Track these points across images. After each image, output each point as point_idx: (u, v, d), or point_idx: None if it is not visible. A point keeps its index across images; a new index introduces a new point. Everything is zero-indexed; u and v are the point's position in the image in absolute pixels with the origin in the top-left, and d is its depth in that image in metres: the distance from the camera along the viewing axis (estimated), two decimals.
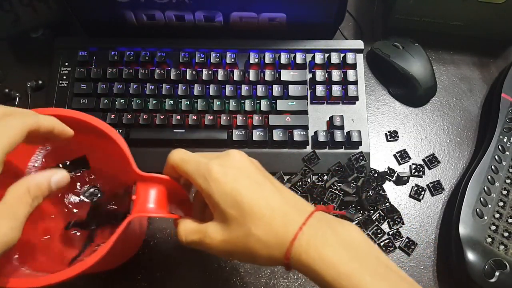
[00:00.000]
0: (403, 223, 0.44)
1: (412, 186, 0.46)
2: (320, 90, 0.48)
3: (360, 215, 0.44)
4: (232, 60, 0.49)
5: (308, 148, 0.47)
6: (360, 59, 0.50)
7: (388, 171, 0.47)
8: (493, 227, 0.42)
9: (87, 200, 0.40)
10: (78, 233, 0.39)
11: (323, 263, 0.26)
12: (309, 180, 0.46)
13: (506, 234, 0.41)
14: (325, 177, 0.46)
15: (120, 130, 0.46)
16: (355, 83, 0.49)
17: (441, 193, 0.47)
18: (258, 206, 0.28)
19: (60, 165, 0.36)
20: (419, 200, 0.46)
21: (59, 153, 0.37)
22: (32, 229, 0.37)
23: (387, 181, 0.47)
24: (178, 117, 0.47)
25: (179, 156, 0.31)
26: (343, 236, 0.27)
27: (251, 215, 0.28)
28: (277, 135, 0.46)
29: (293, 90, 0.48)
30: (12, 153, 0.26)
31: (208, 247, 0.30)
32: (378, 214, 0.44)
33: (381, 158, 0.49)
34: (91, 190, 0.40)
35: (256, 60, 0.49)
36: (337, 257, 0.26)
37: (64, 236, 0.39)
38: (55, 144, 0.36)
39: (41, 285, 0.29)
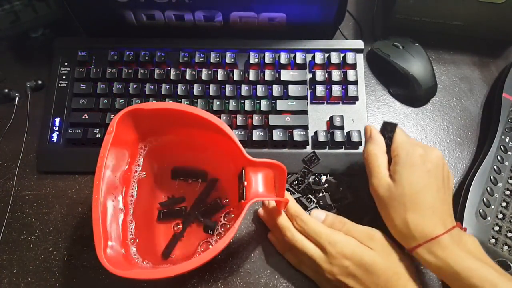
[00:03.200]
0: None
1: None
2: (320, 90, 0.48)
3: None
4: (232, 60, 0.49)
5: (308, 148, 0.47)
6: (360, 59, 0.50)
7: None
8: (497, 228, 0.41)
9: None
10: (179, 226, 0.43)
11: (456, 257, 0.34)
12: (306, 180, 0.46)
13: (509, 234, 0.41)
14: (322, 177, 0.46)
15: None
16: (355, 83, 0.49)
17: None
18: (424, 201, 0.35)
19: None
20: None
21: (155, 153, 0.43)
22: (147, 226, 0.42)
23: None
24: None
25: (294, 234, 0.40)
26: (471, 247, 0.35)
27: (414, 204, 0.35)
28: (277, 135, 0.46)
29: (293, 90, 0.48)
30: (121, 150, 0.36)
31: (371, 188, 0.38)
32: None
33: None
34: None
35: (256, 60, 0.49)
36: (467, 255, 0.34)
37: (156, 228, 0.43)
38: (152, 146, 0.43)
39: (182, 272, 0.33)
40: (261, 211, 0.43)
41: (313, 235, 0.39)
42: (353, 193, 0.44)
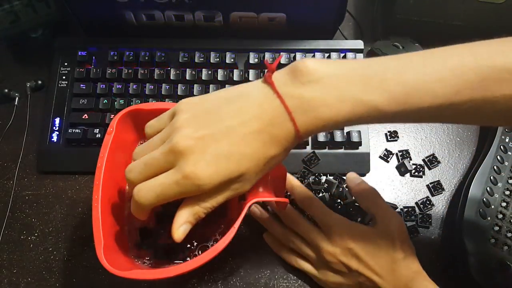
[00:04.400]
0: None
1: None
2: None
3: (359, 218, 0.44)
4: (232, 60, 0.49)
5: (308, 149, 0.47)
6: (360, 59, 0.50)
7: None
8: (497, 228, 0.41)
9: None
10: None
11: (320, 115, 0.27)
12: (306, 180, 0.46)
13: (509, 234, 0.41)
14: (322, 177, 0.46)
15: None
16: None
17: (441, 193, 0.46)
18: (252, 144, 0.28)
19: None
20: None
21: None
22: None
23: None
24: None
25: (151, 196, 0.29)
26: (312, 82, 0.27)
27: (256, 154, 0.28)
28: None
29: None
30: (121, 150, 0.34)
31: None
32: None
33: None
34: None
35: (256, 60, 0.49)
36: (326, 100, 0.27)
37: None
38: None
39: (172, 275, 0.32)
40: (255, 210, 0.43)
41: (319, 215, 0.39)
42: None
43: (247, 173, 0.28)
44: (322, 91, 0.27)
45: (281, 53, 0.50)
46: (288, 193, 0.43)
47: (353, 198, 0.43)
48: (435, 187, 0.46)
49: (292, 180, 0.42)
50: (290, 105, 0.27)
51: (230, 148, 0.27)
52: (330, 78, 0.27)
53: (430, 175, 0.47)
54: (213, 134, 0.28)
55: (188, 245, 0.40)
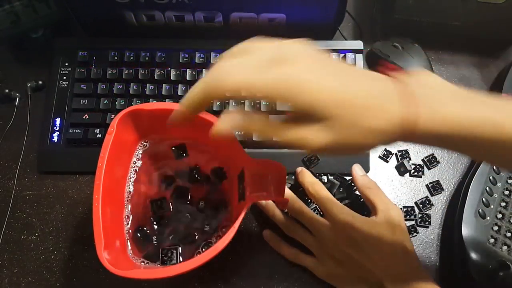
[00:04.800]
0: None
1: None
2: None
3: None
4: None
5: None
6: (359, 59, 0.50)
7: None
8: (496, 228, 0.41)
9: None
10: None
11: (445, 120, 0.26)
12: None
13: (509, 234, 0.41)
14: (323, 177, 0.46)
15: None
16: None
17: (440, 193, 0.46)
18: (362, 97, 0.26)
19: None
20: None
21: (154, 153, 0.42)
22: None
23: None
24: None
25: (239, 79, 0.26)
26: (440, 90, 0.27)
27: (361, 108, 0.25)
28: None
29: None
30: (119, 152, 0.35)
31: (308, 147, 0.27)
32: None
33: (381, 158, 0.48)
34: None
35: None
36: (447, 109, 0.26)
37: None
38: (155, 141, 0.43)
39: (174, 274, 0.33)
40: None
41: (324, 203, 0.39)
42: (353, 193, 0.44)
43: (339, 120, 0.25)
44: (446, 94, 0.27)
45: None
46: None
47: (353, 198, 0.44)
48: (435, 187, 0.46)
49: (303, 170, 0.43)
50: (419, 94, 0.26)
51: (338, 83, 0.26)
52: (453, 90, 0.28)
53: (430, 175, 0.48)
54: (331, 66, 0.27)
55: (188, 246, 0.40)
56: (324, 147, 0.26)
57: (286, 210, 0.43)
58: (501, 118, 0.26)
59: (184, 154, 0.43)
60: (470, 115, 0.26)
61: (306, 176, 0.42)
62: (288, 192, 0.42)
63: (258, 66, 0.27)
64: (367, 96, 0.26)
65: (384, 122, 0.26)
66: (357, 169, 0.43)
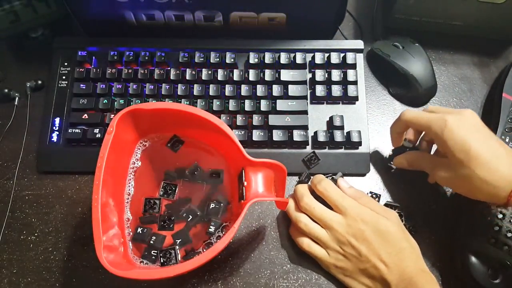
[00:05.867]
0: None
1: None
2: (320, 90, 0.48)
3: None
4: (232, 60, 0.49)
5: (308, 148, 0.47)
6: (360, 59, 0.50)
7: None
8: (496, 228, 0.41)
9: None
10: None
11: None
12: (306, 180, 0.46)
13: (509, 234, 0.41)
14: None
15: None
16: (355, 83, 0.49)
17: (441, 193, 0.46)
18: (484, 154, 0.35)
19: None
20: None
21: (154, 153, 0.43)
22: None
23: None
24: None
25: (414, 114, 0.40)
26: None
27: (477, 160, 0.35)
28: (277, 135, 0.46)
29: (293, 90, 0.48)
30: (118, 151, 0.37)
31: (435, 177, 0.40)
32: None
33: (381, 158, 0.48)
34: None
35: (256, 60, 0.49)
36: None
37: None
38: (154, 140, 0.43)
39: (172, 274, 0.33)
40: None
41: (335, 197, 0.40)
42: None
43: (462, 166, 0.36)
44: None
45: (281, 53, 0.50)
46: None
47: None
48: (435, 187, 0.46)
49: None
50: None
51: (477, 140, 0.36)
52: None
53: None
54: (479, 127, 0.38)
55: (186, 246, 0.40)
56: (445, 181, 0.39)
57: (285, 210, 0.43)
58: None
59: (180, 145, 0.43)
60: None
61: (314, 178, 0.43)
62: (300, 187, 0.42)
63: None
64: (496, 157, 0.35)
65: (497, 180, 0.34)
66: (342, 182, 0.43)
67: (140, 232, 0.39)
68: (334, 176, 0.45)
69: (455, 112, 0.38)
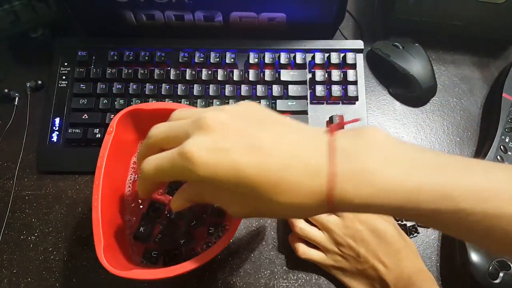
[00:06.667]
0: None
1: None
2: (320, 90, 0.48)
3: None
4: (232, 60, 0.49)
5: None
6: (360, 59, 0.50)
7: None
8: None
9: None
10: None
11: (377, 192, 0.22)
12: None
13: None
14: None
15: None
16: (355, 83, 0.49)
17: None
18: (267, 173, 0.23)
19: None
20: None
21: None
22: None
23: None
24: None
25: (152, 167, 0.27)
26: (374, 150, 0.23)
27: (264, 186, 0.23)
28: None
29: (293, 90, 0.48)
30: (118, 152, 0.35)
31: (227, 211, 0.27)
32: None
33: None
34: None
35: (256, 60, 0.49)
36: (381, 179, 0.22)
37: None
38: None
39: (173, 274, 0.33)
40: None
41: None
42: None
43: (243, 195, 0.24)
44: (380, 156, 0.23)
45: (281, 53, 0.50)
46: None
47: None
48: None
49: None
50: (339, 160, 0.23)
51: (241, 158, 0.23)
52: (394, 150, 0.24)
53: None
54: (244, 129, 0.24)
55: (188, 247, 0.40)
56: (240, 214, 0.27)
57: None
58: (451, 187, 0.22)
59: None
60: (406, 183, 0.22)
61: None
62: None
63: (176, 137, 0.26)
64: (278, 168, 0.23)
65: (292, 199, 0.23)
66: None
67: (142, 231, 0.39)
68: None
69: (203, 122, 0.25)
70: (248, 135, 0.24)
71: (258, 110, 0.27)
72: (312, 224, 0.41)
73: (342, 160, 0.23)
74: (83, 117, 0.47)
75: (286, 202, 0.24)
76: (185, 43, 0.50)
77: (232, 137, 0.24)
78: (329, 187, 0.23)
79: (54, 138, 0.47)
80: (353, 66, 0.49)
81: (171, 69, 0.49)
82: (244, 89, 0.48)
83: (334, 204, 0.23)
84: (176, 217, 0.41)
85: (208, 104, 0.48)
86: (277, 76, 0.49)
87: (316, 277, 0.42)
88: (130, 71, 0.49)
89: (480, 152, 0.47)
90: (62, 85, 0.49)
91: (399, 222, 0.44)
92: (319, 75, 0.49)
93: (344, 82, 0.49)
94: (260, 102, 0.48)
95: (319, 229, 0.40)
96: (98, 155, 0.36)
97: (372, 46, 0.53)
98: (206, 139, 0.24)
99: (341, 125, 0.26)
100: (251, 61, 0.49)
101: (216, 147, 0.24)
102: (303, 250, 0.41)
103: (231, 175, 0.24)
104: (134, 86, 0.48)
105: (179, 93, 0.48)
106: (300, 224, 0.41)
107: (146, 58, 0.49)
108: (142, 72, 0.49)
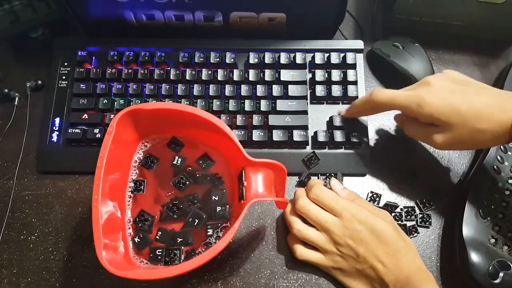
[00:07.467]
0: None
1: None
2: (320, 90, 0.48)
3: None
4: (232, 60, 0.49)
5: (308, 148, 0.47)
6: (360, 59, 0.50)
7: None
8: (497, 228, 0.41)
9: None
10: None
11: None
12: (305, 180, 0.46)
13: (509, 234, 0.41)
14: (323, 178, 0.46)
15: None
16: (355, 83, 0.49)
17: (441, 192, 0.46)
18: (474, 108, 0.36)
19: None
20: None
21: (154, 153, 0.43)
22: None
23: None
24: None
25: (388, 96, 0.41)
26: None
27: (471, 116, 0.36)
28: (277, 135, 0.46)
29: (293, 90, 0.48)
30: (118, 152, 0.37)
31: (431, 144, 0.40)
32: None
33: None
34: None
35: (256, 60, 0.49)
36: None
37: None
38: (155, 141, 0.43)
39: (175, 274, 0.33)
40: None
41: (328, 201, 0.40)
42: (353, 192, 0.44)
43: (452, 126, 0.37)
44: None
45: (281, 53, 0.49)
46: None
47: None
48: (436, 187, 0.46)
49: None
50: None
51: (456, 101, 0.37)
52: None
53: None
54: (455, 89, 0.38)
55: (188, 246, 0.40)
56: (445, 145, 0.38)
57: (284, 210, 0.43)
58: None
59: (178, 147, 0.43)
60: None
61: (308, 183, 0.43)
62: (298, 190, 0.43)
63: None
64: (479, 107, 0.36)
65: (488, 125, 0.36)
66: (335, 183, 0.43)
67: (142, 232, 0.39)
68: (334, 176, 0.45)
69: (422, 84, 0.39)
70: (459, 90, 0.38)
71: (461, 76, 0.40)
72: (310, 225, 0.41)
73: None
74: (83, 117, 0.47)
75: (484, 128, 0.36)
76: (185, 43, 0.50)
77: (447, 91, 0.38)
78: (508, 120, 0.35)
79: (54, 138, 0.47)
80: (353, 66, 0.49)
81: (171, 69, 0.49)
82: (244, 89, 0.48)
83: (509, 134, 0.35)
84: (176, 217, 0.41)
85: (208, 104, 0.48)
86: (277, 76, 0.49)
87: (316, 277, 0.42)
88: (130, 71, 0.49)
89: (480, 152, 0.47)
90: (62, 85, 0.49)
91: (399, 222, 0.45)
92: (319, 75, 0.49)
93: (344, 82, 0.49)
94: (260, 102, 0.48)
95: (318, 229, 0.40)
96: (98, 155, 0.36)
97: (372, 46, 0.53)
98: (432, 90, 0.38)
99: None
100: (251, 61, 0.49)
101: (437, 95, 0.38)
102: (300, 251, 0.41)
103: (449, 111, 0.37)
104: (134, 86, 0.48)
105: (179, 93, 0.48)
106: (298, 226, 0.41)
107: (146, 58, 0.49)
108: (142, 72, 0.49)
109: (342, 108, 0.49)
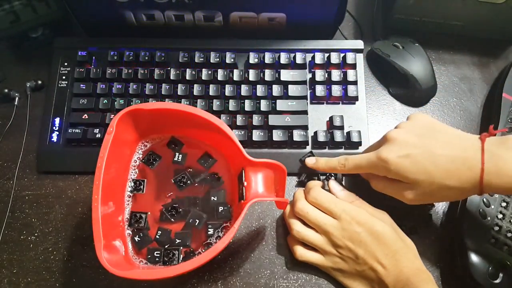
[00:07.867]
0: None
1: None
2: (320, 90, 0.48)
3: None
4: (232, 60, 0.49)
5: (308, 148, 0.47)
6: (360, 59, 0.50)
7: None
8: (497, 228, 0.41)
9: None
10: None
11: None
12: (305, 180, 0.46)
13: (509, 234, 0.41)
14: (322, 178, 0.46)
15: None
16: (355, 83, 0.49)
17: None
18: (440, 166, 0.35)
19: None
20: None
21: (156, 149, 0.43)
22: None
23: None
24: None
25: (351, 165, 0.40)
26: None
27: (438, 174, 0.35)
28: (277, 135, 0.46)
29: (293, 90, 0.48)
30: (118, 152, 0.37)
31: (401, 200, 0.39)
32: None
33: None
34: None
35: (256, 60, 0.49)
36: None
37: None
38: (155, 141, 0.44)
39: (178, 272, 0.33)
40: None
41: (326, 204, 0.40)
42: (353, 192, 0.44)
43: (420, 184, 0.36)
44: None
45: (281, 53, 0.50)
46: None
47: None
48: None
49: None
50: (486, 158, 0.33)
51: (421, 158, 0.35)
52: None
53: None
54: (418, 143, 0.36)
55: (188, 247, 0.40)
56: (417, 200, 0.37)
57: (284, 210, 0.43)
58: None
59: (178, 146, 0.43)
60: None
61: (306, 186, 0.43)
62: (297, 192, 0.43)
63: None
64: (444, 164, 0.35)
65: (456, 183, 0.35)
66: (334, 185, 0.44)
67: (141, 231, 0.39)
68: (334, 177, 0.45)
69: (389, 136, 0.38)
70: (422, 143, 0.36)
71: (427, 123, 0.39)
72: (309, 227, 0.41)
73: (489, 160, 0.34)
74: (83, 117, 0.47)
75: (453, 185, 0.35)
76: (185, 43, 0.50)
77: (410, 147, 0.36)
78: (480, 178, 0.34)
79: (54, 138, 0.47)
80: (353, 66, 0.49)
81: (171, 69, 0.49)
82: (244, 89, 0.48)
83: (483, 188, 0.34)
84: (177, 217, 0.41)
85: (208, 104, 0.48)
86: (277, 76, 0.49)
87: (316, 277, 0.42)
88: (130, 71, 0.49)
89: None
90: (62, 85, 0.49)
91: (399, 222, 0.44)
92: (319, 75, 0.49)
93: (344, 82, 0.49)
94: (260, 102, 0.48)
95: (317, 231, 0.40)
96: (98, 155, 0.36)
97: (372, 46, 0.53)
98: (394, 148, 0.37)
99: (492, 133, 0.36)
100: (251, 61, 0.49)
101: (401, 154, 0.36)
102: (300, 253, 0.41)
103: (415, 170, 0.36)
104: (134, 86, 0.48)
105: (179, 93, 0.48)
106: (297, 228, 0.41)
107: (146, 58, 0.49)
108: (142, 72, 0.49)
109: (342, 108, 0.49)
